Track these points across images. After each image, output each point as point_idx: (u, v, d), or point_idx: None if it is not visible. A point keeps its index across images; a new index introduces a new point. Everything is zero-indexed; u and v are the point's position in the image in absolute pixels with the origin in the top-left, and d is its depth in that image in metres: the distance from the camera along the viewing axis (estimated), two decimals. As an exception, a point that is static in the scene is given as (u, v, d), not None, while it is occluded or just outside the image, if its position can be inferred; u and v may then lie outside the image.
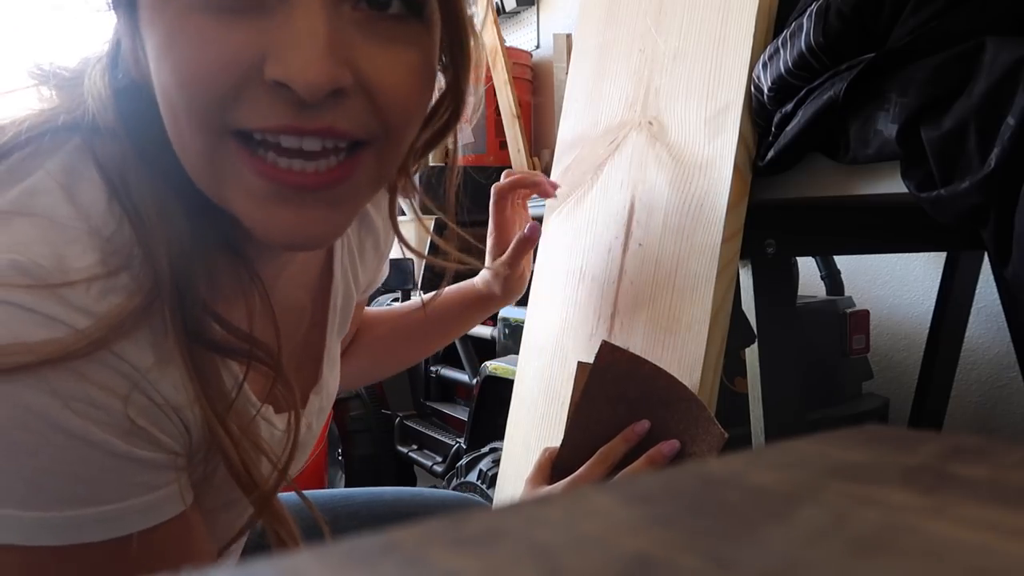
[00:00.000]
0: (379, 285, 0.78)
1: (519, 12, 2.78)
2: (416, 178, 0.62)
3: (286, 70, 0.38)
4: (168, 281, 0.41)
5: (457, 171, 0.62)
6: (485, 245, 0.86)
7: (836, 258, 1.51)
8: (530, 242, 0.85)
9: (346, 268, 0.63)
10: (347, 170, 0.42)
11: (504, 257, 0.85)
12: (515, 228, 0.87)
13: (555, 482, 0.70)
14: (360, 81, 0.41)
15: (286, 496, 0.82)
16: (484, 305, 0.91)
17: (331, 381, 0.64)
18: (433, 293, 0.80)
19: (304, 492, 0.83)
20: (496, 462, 1.40)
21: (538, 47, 2.72)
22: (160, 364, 0.41)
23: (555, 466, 0.72)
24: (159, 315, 0.41)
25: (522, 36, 2.78)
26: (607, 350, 0.71)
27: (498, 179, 0.86)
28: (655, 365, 0.70)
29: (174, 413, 0.42)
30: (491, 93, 2.51)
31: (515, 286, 0.88)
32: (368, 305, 0.86)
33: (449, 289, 0.89)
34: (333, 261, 0.61)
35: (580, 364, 0.76)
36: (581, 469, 0.68)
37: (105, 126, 0.44)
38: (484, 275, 0.89)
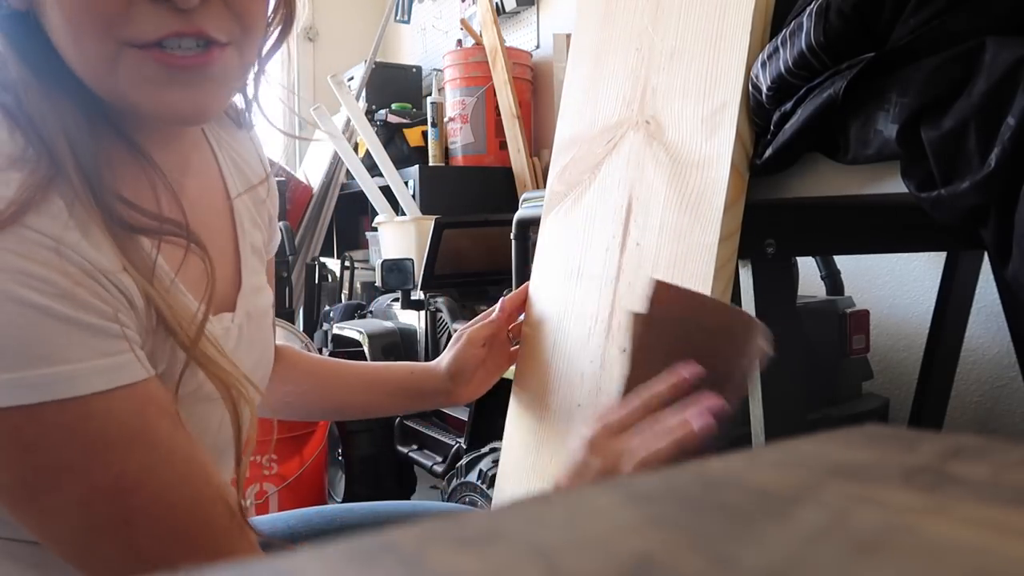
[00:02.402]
0: (273, 251, 0.78)
1: (519, 12, 2.78)
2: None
3: None
4: (72, 167, 0.48)
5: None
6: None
7: (836, 258, 1.51)
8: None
9: (248, 206, 0.70)
10: (218, 54, 0.53)
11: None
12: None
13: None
14: None
15: (266, 517, 0.83)
16: (421, 383, 0.90)
17: (253, 296, 0.66)
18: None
19: (289, 512, 0.84)
20: (496, 462, 1.40)
21: (538, 47, 2.72)
22: (78, 230, 0.47)
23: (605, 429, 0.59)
24: (66, 188, 0.48)
25: (522, 36, 2.78)
26: (662, 290, 0.61)
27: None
28: (715, 300, 0.62)
29: (105, 279, 0.48)
30: (491, 93, 2.51)
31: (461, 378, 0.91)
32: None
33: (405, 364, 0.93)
34: (227, 186, 0.68)
35: (634, 315, 0.64)
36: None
37: None
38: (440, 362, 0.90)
